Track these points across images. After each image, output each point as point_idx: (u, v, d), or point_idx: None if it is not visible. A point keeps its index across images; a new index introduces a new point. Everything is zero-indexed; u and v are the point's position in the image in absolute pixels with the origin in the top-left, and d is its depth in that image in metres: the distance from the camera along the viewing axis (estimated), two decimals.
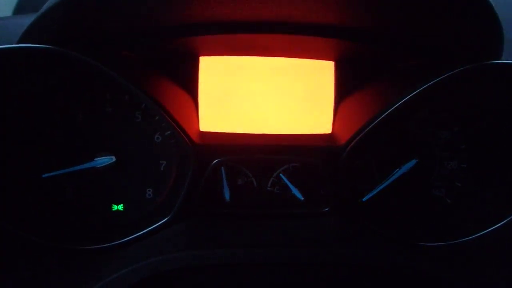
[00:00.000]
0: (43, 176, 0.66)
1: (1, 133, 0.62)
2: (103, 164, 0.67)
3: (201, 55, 0.71)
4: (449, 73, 0.59)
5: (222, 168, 0.70)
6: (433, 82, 0.59)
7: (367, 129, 0.64)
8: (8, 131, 0.64)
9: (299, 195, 0.72)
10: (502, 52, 0.57)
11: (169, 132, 0.70)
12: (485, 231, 0.66)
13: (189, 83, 0.71)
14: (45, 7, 0.49)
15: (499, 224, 0.66)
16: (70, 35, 0.55)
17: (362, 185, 0.74)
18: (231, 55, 0.72)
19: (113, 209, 0.72)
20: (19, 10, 0.90)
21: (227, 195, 0.71)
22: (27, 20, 0.53)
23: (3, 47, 0.52)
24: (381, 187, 0.71)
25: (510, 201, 0.68)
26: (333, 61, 0.73)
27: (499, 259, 0.65)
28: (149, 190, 0.72)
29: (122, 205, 0.72)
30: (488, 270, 0.62)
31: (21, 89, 0.63)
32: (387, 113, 0.63)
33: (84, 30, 0.56)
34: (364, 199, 0.72)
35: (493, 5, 0.47)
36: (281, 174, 0.72)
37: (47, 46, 0.53)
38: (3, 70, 0.56)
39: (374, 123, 0.64)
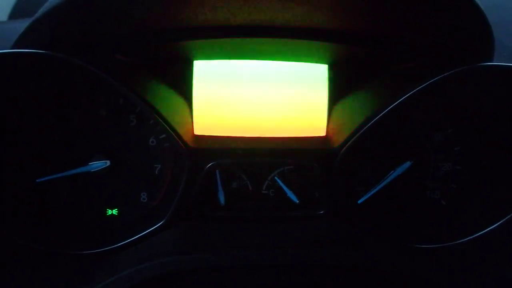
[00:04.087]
0: (38, 180, 0.66)
1: None
2: (98, 168, 0.67)
3: (195, 59, 0.71)
4: (441, 75, 0.59)
5: (217, 171, 0.70)
6: (426, 84, 0.60)
7: (361, 131, 0.65)
8: (2, 135, 0.64)
9: (294, 198, 0.72)
10: (493, 54, 0.58)
11: (163, 135, 0.70)
12: (480, 233, 0.66)
13: (183, 87, 0.71)
14: (39, 12, 0.50)
15: (494, 226, 0.66)
16: (65, 40, 0.55)
17: (357, 188, 0.74)
18: (225, 59, 0.72)
19: (108, 214, 0.71)
20: (14, 15, 0.90)
21: (222, 198, 0.71)
22: (22, 25, 0.53)
23: None
24: (376, 189, 0.71)
25: (505, 202, 0.68)
26: (326, 64, 0.74)
27: (495, 261, 0.65)
28: (143, 194, 0.72)
29: (116, 209, 0.71)
30: (483, 272, 0.62)
31: (15, 93, 0.63)
32: (381, 115, 0.63)
33: (78, 34, 0.56)
34: (359, 201, 0.72)
35: (482, 7, 0.48)
36: (276, 177, 0.72)
37: (42, 50, 0.53)
38: None
39: (368, 125, 0.64)
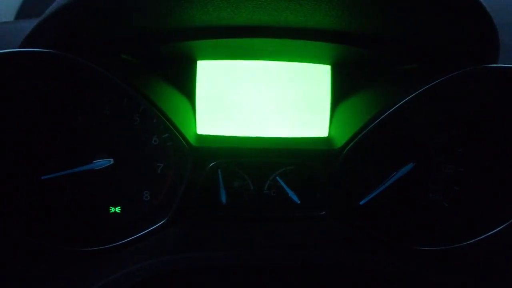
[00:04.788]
0: (42, 178, 0.67)
1: (1, 135, 0.63)
2: (101, 166, 0.68)
3: (199, 59, 0.72)
4: (445, 77, 0.59)
5: (219, 170, 0.70)
6: (429, 85, 0.60)
7: (364, 132, 0.65)
8: (8, 133, 0.65)
9: (295, 198, 0.72)
10: (499, 56, 0.57)
11: (166, 134, 0.71)
12: (483, 236, 0.66)
13: (187, 87, 0.72)
14: (46, 12, 0.50)
15: (497, 229, 0.65)
16: (71, 39, 0.56)
17: (359, 189, 0.74)
18: (228, 59, 0.73)
19: (111, 211, 0.72)
20: (21, 14, 0.91)
21: (223, 198, 0.71)
22: (29, 24, 0.54)
23: (5, 51, 0.53)
24: (378, 190, 0.71)
25: (508, 204, 0.67)
26: (329, 65, 0.74)
27: (497, 264, 0.64)
28: (146, 193, 0.72)
29: (119, 207, 0.72)
30: (485, 275, 0.61)
31: (21, 92, 0.64)
32: (383, 116, 0.63)
33: (84, 34, 0.57)
34: (361, 202, 0.72)
35: (488, 9, 0.48)
36: (277, 177, 0.72)
37: (48, 50, 0.54)
38: (5, 73, 0.57)
39: (371, 126, 0.64)
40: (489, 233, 0.65)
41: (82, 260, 0.62)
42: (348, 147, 0.67)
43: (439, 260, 0.64)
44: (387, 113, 0.62)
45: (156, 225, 0.65)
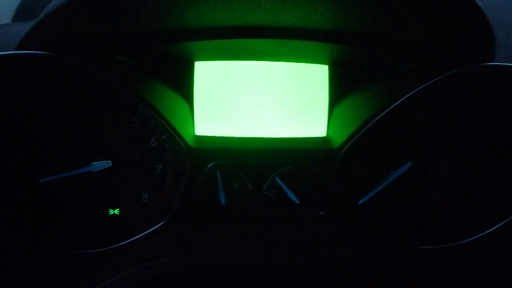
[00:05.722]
0: (41, 180, 0.67)
1: None
2: (100, 169, 0.68)
3: (196, 60, 0.72)
4: (442, 75, 0.59)
5: (218, 171, 0.70)
6: (426, 84, 0.60)
7: (362, 131, 0.65)
8: (5, 136, 0.65)
9: (294, 198, 0.72)
10: (495, 54, 0.58)
11: (164, 136, 0.71)
12: (482, 234, 0.66)
13: (184, 88, 0.72)
14: (42, 14, 0.50)
15: (496, 227, 0.66)
16: (67, 41, 0.56)
17: (358, 188, 0.74)
18: (225, 60, 0.73)
19: (110, 213, 0.72)
20: (18, 17, 0.91)
21: (222, 199, 0.71)
22: (25, 27, 0.54)
23: (1, 53, 0.53)
24: (377, 190, 0.71)
25: (507, 203, 0.67)
26: (327, 65, 0.74)
27: (496, 262, 0.64)
28: (145, 194, 0.72)
29: (118, 209, 0.72)
30: (484, 273, 0.61)
31: (18, 94, 0.64)
32: (381, 115, 0.63)
33: (80, 36, 0.57)
34: (360, 202, 0.72)
35: (482, 7, 0.48)
36: (276, 178, 0.72)
37: (44, 52, 0.54)
38: (1, 76, 0.57)
39: (369, 125, 0.64)
40: (488, 231, 0.66)
41: (82, 262, 0.62)
42: (346, 146, 0.67)
43: (438, 258, 0.64)
44: (384, 112, 0.63)
45: (155, 227, 0.65)
